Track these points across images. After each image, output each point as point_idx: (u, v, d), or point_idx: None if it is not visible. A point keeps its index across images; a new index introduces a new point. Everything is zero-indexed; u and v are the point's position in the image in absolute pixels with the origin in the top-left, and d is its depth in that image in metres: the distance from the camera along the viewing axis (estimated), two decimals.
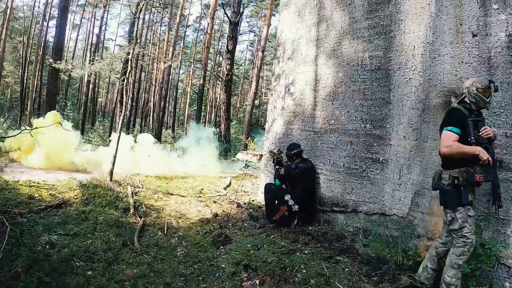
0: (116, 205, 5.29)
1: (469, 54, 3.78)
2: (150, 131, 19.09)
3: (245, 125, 21.92)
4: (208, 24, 24.17)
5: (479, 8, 3.71)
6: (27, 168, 8.20)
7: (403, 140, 4.32)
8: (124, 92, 8.94)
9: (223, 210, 5.74)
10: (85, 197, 5.44)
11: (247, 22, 40.29)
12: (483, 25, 3.69)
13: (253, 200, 6.39)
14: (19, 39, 34.56)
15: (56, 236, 3.98)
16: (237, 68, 36.05)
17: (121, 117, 7.44)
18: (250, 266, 3.63)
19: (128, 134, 14.35)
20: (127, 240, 4.13)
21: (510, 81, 3.53)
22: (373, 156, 4.63)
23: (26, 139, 7.11)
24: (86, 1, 34.94)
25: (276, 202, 5.10)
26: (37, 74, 30.33)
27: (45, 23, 30.95)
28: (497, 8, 3.64)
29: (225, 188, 7.48)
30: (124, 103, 8.16)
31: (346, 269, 3.66)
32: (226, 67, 17.41)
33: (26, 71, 31.87)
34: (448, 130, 3.01)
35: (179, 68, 37.38)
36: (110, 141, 10.08)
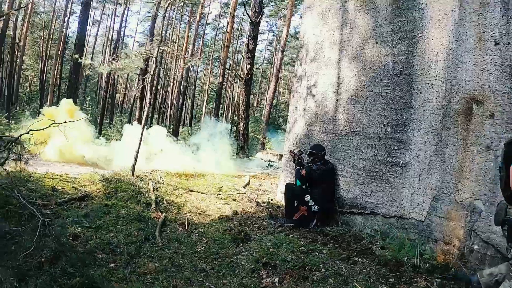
0: (138, 200, 5.42)
1: (491, 62, 3.78)
2: (167, 127, 19.34)
3: (262, 125, 22.02)
4: (228, 23, 24.35)
5: (502, 17, 3.71)
6: (43, 161, 8.28)
7: (423, 145, 4.35)
8: (148, 89, 9.15)
9: (242, 208, 5.86)
10: (107, 191, 5.57)
11: (266, 21, 40.43)
12: (506, 33, 3.68)
13: (272, 200, 6.49)
14: (40, 33, 35.32)
15: (79, 228, 4.12)
16: (257, 68, 36.12)
17: (145, 114, 7.64)
18: (270, 263, 3.69)
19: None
20: (149, 234, 4.23)
21: None
22: (393, 160, 4.68)
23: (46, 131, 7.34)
24: None
25: (296, 202, 5.17)
26: (56, 68, 31.05)
27: (66, 18, 31.65)
28: None
29: (244, 187, 7.59)
30: (148, 100, 8.33)
31: (364, 270, 3.71)
32: (246, 67, 17.45)
33: (46, 65, 32.60)
34: None
35: (197, 66, 37.72)
36: (122, 134, 10.22)
